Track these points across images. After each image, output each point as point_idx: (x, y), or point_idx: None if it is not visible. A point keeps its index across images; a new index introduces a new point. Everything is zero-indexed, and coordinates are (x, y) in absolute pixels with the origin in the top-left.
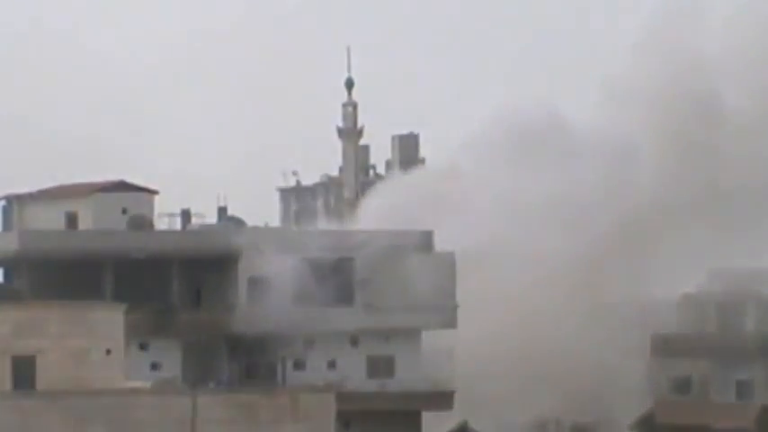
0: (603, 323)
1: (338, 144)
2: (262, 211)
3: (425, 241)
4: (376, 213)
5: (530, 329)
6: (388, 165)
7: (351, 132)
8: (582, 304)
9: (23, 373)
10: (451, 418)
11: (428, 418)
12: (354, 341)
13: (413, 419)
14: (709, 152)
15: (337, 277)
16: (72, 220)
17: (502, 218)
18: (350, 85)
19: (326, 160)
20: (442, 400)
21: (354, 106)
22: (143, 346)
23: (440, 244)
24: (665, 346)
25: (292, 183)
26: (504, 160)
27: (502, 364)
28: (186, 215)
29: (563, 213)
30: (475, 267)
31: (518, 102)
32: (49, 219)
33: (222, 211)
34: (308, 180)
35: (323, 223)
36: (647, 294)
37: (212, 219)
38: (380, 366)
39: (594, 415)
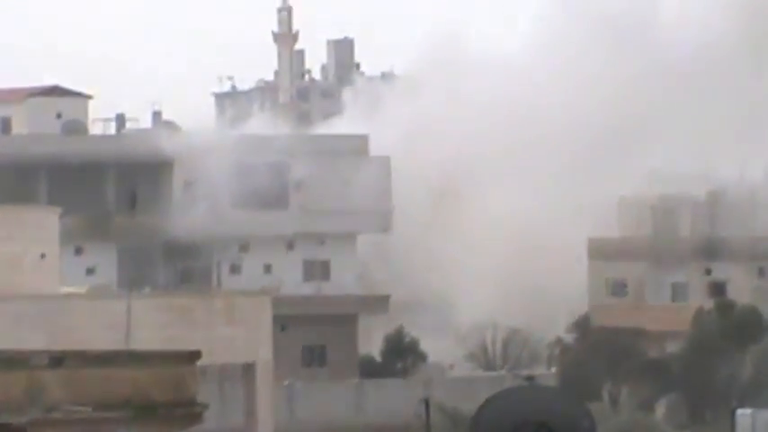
0: (552, 224)
1: (273, 49)
2: (197, 116)
3: (361, 145)
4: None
5: (477, 228)
6: (324, 69)
7: (286, 37)
8: (541, 206)
9: None
10: (390, 323)
11: (366, 322)
12: (290, 245)
13: (349, 323)
14: None
15: (272, 181)
16: (6, 124)
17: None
18: None
19: (262, 65)
20: (377, 303)
21: (289, 11)
22: (78, 251)
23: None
24: (602, 249)
25: (228, 88)
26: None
27: (442, 268)
28: (121, 120)
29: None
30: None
31: None
32: None
33: (157, 115)
34: (244, 85)
35: (258, 127)
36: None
37: (147, 123)
38: (316, 270)
39: (532, 318)
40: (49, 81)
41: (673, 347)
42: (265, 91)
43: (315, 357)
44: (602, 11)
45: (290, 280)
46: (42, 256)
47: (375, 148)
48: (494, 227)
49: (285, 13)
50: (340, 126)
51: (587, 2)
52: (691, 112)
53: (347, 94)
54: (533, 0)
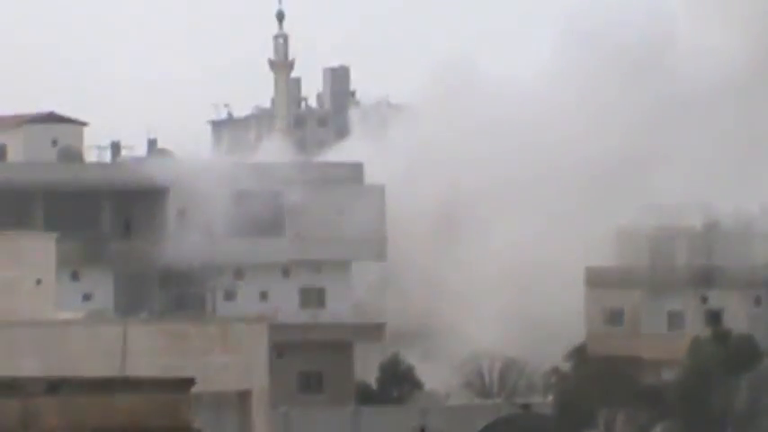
0: (548, 254)
1: (270, 76)
2: (193, 143)
3: (356, 173)
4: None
5: (476, 257)
6: (320, 97)
7: (282, 65)
8: (539, 235)
9: None
10: (388, 351)
11: (362, 350)
12: (286, 272)
13: (346, 350)
14: None
15: (268, 209)
16: (1, 151)
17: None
18: (280, 16)
19: (258, 93)
20: (373, 331)
21: (285, 38)
22: (74, 276)
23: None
24: (599, 278)
25: (224, 115)
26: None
27: (441, 296)
28: (116, 147)
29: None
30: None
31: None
32: None
33: (152, 143)
34: (240, 112)
35: (255, 155)
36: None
37: (143, 151)
38: (312, 298)
39: (529, 346)
40: (44, 108)
41: (669, 375)
42: (261, 118)
43: (311, 384)
44: (601, 44)
45: (286, 307)
46: (38, 281)
47: (377, 176)
48: (492, 255)
49: (281, 40)
50: (341, 153)
51: (584, 33)
52: (689, 145)
53: (351, 119)
54: (538, 29)
